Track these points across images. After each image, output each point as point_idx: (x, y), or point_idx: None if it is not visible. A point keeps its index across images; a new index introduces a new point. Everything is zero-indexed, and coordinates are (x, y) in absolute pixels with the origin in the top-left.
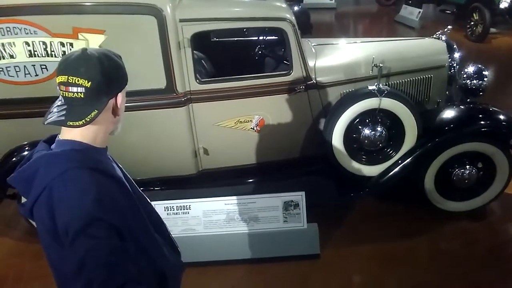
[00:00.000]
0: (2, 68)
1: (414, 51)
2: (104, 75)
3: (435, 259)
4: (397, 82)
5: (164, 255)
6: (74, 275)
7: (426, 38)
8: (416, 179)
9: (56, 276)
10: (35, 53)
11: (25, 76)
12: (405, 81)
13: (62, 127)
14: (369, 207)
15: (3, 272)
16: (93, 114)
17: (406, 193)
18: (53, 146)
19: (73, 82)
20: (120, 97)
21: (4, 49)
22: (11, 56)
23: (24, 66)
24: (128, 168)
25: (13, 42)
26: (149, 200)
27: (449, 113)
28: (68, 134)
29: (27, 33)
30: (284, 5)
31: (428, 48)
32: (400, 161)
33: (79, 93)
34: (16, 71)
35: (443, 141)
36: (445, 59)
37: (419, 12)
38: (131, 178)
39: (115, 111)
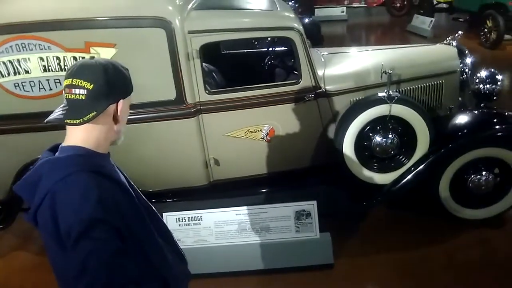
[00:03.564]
0: (18, 83)
1: (424, 57)
2: (107, 79)
3: (453, 268)
4: (407, 89)
5: (167, 262)
6: (76, 277)
7: (437, 44)
8: (431, 186)
9: (59, 280)
10: (49, 68)
11: (39, 91)
12: (416, 87)
13: (66, 134)
14: (383, 215)
15: (21, 284)
16: (91, 114)
17: (421, 200)
18: (57, 154)
19: (77, 84)
20: (121, 105)
21: (20, 65)
22: (26, 72)
23: (39, 81)
24: (140, 180)
25: (28, 58)
26: (154, 208)
27: (462, 118)
28: (71, 140)
29: (42, 49)
30: (291, 15)
31: (439, 54)
32: (413, 168)
33: (81, 95)
34: (31, 86)
35: (457, 146)
36: (456, 65)
37: (431, 21)
38: (135, 186)
39: (115, 118)
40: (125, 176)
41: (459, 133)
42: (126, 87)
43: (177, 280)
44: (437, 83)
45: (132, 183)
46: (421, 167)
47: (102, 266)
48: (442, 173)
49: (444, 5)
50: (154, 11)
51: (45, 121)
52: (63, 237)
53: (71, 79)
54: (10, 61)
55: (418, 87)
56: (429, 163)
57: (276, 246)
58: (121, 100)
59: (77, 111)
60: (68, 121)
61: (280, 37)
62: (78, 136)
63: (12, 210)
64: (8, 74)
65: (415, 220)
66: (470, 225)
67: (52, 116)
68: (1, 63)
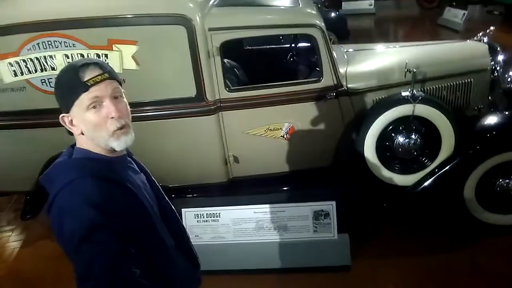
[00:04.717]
0: (45, 80)
1: (452, 55)
2: (56, 89)
3: (476, 276)
4: (433, 88)
5: (173, 265)
6: (81, 281)
7: (467, 41)
8: (455, 189)
9: None
10: None
11: None
12: (442, 86)
13: None
14: (403, 218)
15: (43, 273)
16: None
17: (444, 204)
18: (73, 153)
19: None
20: (68, 118)
21: (46, 62)
22: (52, 68)
23: None
24: (160, 175)
25: (54, 55)
26: (173, 209)
27: (491, 120)
28: (77, 142)
29: (67, 46)
30: (313, 12)
31: (468, 51)
32: (436, 170)
33: None
34: None
35: (485, 149)
36: (486, 63)
37: (464, 14)
38: (158, 186)
39: (72, 126)
40: (147, 176)
41: (488, 135)
42: (63, 101)
43: (183, 283)
44: (465, 82)
45: (153, 183)
46: (445, 169)
47: (105, 269)
48: (468, 175)
49: None
50: (175, 9)
51: None
52: (68, 240)
53: None
54: (37, 58)
55: (445, 86)
56: (454, 165)
57: (293, 246)
58: (68, 113)
59: None
60: None
61: (301, 34)
62: (79, 139)
63: (38, 201)
64: (35, 71)
65: (437, 224)
66: (495, 231)
67: None
68: (29, 60)
